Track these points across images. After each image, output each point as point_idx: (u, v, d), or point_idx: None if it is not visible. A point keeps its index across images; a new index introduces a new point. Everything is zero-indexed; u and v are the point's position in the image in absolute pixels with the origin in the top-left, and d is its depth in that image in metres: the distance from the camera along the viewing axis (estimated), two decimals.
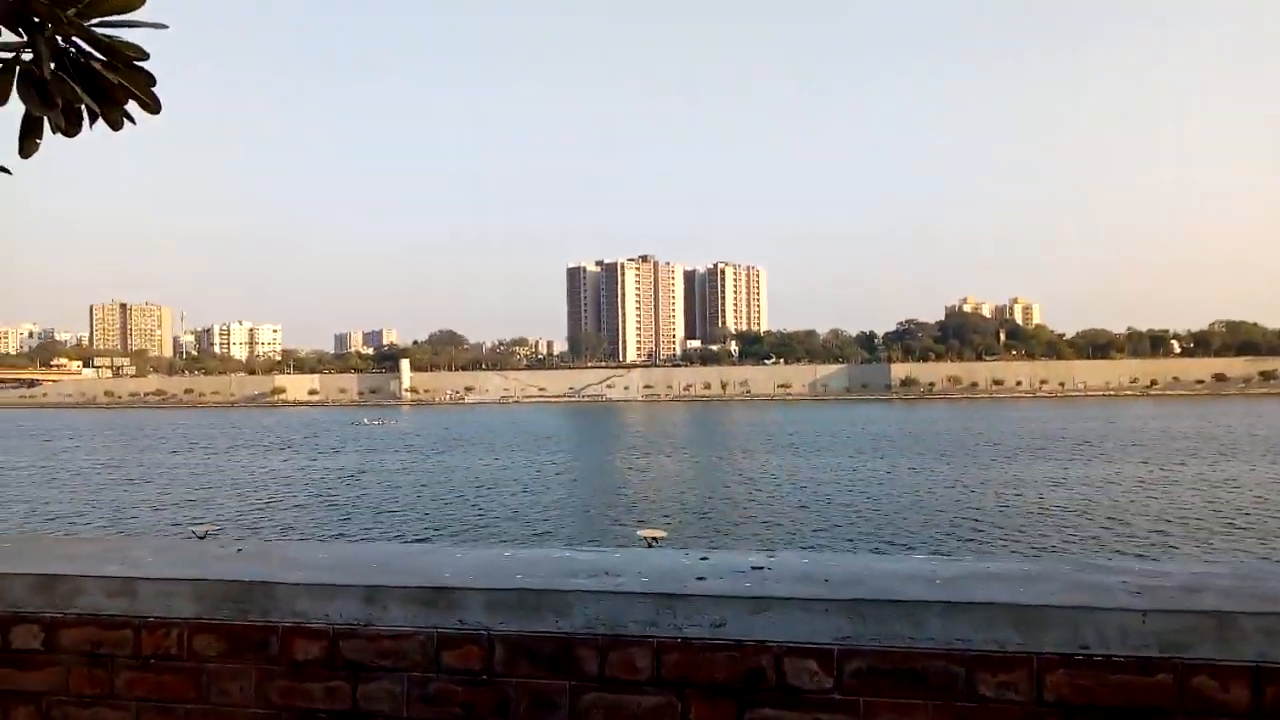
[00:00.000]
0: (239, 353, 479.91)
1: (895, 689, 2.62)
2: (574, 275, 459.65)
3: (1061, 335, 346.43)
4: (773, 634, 2.67)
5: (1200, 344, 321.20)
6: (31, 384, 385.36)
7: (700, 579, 2.91)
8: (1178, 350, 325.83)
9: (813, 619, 2.65)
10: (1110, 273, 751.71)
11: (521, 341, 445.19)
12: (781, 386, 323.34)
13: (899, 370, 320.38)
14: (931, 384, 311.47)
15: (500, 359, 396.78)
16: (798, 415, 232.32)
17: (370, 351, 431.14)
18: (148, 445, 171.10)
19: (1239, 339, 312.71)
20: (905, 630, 2.60)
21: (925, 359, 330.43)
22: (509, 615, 2.81)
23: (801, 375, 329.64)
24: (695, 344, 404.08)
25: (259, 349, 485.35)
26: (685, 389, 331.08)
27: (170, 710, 3.08)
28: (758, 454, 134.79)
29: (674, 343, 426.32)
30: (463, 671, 2.83)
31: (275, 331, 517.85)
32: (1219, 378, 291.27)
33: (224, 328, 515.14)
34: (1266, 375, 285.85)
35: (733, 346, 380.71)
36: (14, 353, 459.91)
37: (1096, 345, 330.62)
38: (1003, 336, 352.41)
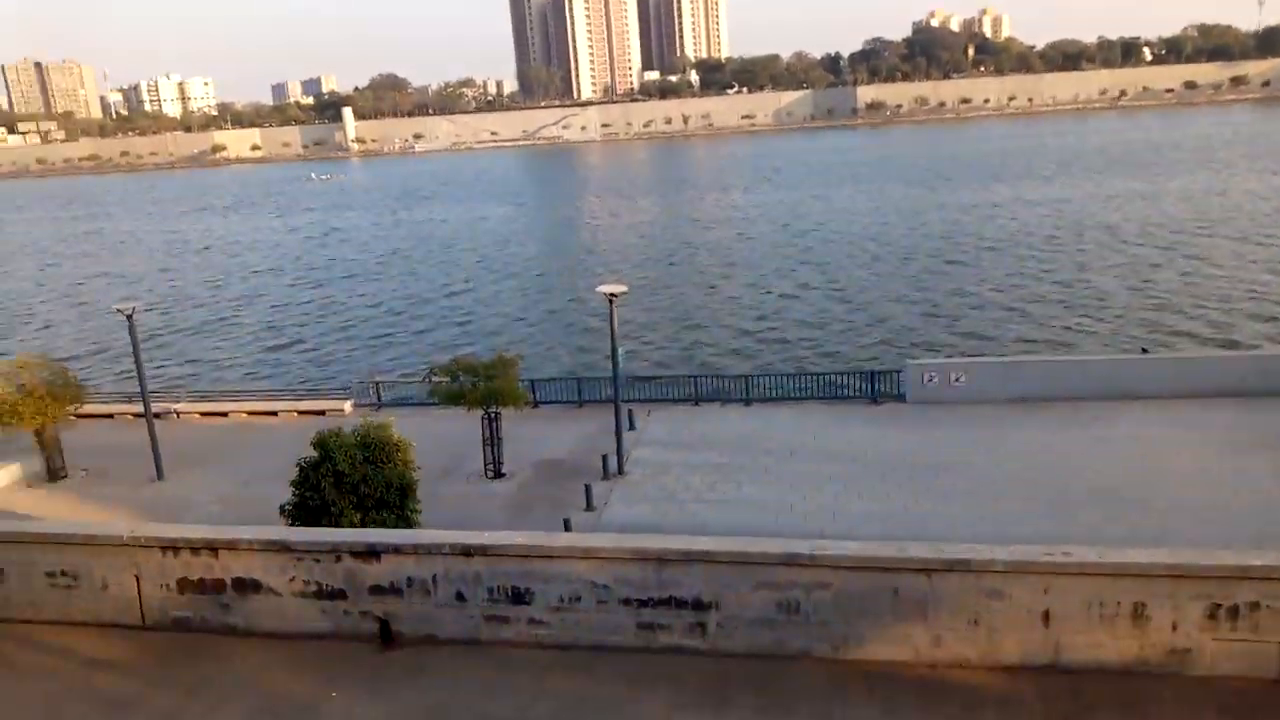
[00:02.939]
0: (171, 110, 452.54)
1: None
2: (518, 3, 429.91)
3: (1032, 47, 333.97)
4: None
5: (1172, 51, 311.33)
6: None
7: None
8: (1149, 58, 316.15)
9: None
10: None
11: (469, 82, 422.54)
12: (745, 118, 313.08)
13: (865, 93, 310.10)
14: (899, 106, 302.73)
15: (447, 102, 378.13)
16: (762, 147, 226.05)
17: (310, 101, 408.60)
18: (95, 213, 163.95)
19: (1212, 44, 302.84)
20: None
21: (892, 80, 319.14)
22: None
23: (765, 104, 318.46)
24: (653, 75, 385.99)
25: (192, 104, 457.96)
26: (645, 126, 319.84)
27: None
28: (723, 192, 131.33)
29: (630, 75, 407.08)
30: None
31: (207, 85, 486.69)
32: (1189, 85, 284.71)
33: (151, 84, 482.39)
34: (1237, 80, 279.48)
35: (693, 76, 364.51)
36: None
37: (1067, 56, 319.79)
38: (971, 52, 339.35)
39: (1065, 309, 52.11)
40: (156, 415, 31.19)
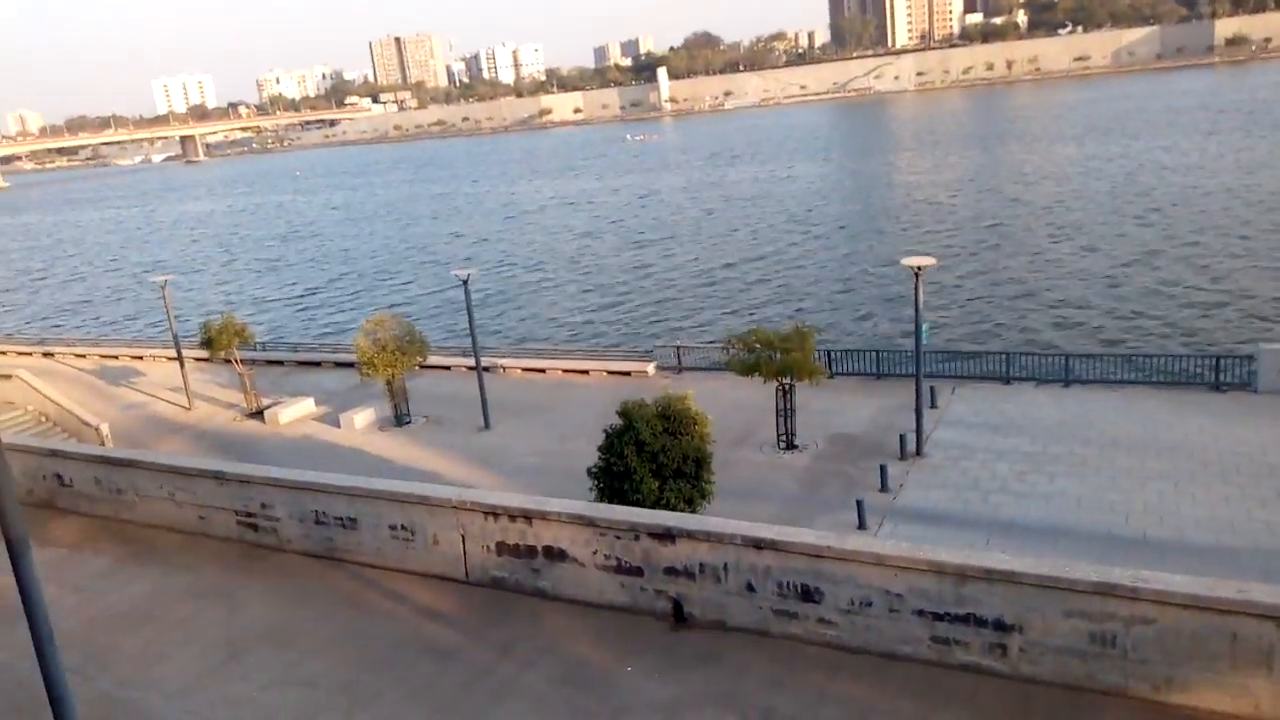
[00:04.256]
0: (506, 75, 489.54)
1: None
2: None
3: None
4: None
5: None
6: (332, 124, 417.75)
7: None
8: None
9: None
10: None
11: (780, 36, 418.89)
12: (1078, 60, 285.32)
13: (1225, 27, 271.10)
14: (1267, 40, 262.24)
15: (758, 58, 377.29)
16: (1098, 92, 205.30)
17: (628, 62, 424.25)
18: (444, 176, 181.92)
19: None
20: None
21: (1261, 10, 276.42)
22: None
23: (1103, 44, 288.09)
24: (975, 19, 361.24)
25: (523, 70, 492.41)
26: (964, 73, 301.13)
27: None
28: (1050, 144, 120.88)
29: (950, 20, 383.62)
30: None
31: (536, 51, 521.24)
32: None
33: (489, 52, 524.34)
34: None
35: (1020, 17, 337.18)
36: (312, 94, 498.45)
37: None
38: None
39: None
40: (485, 369, 34.28)
